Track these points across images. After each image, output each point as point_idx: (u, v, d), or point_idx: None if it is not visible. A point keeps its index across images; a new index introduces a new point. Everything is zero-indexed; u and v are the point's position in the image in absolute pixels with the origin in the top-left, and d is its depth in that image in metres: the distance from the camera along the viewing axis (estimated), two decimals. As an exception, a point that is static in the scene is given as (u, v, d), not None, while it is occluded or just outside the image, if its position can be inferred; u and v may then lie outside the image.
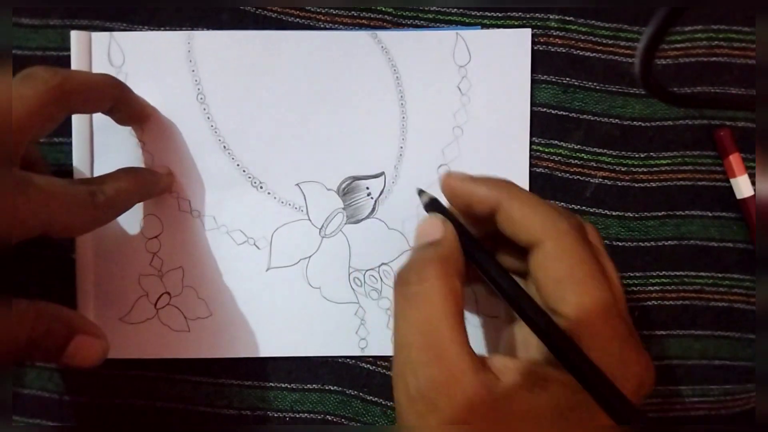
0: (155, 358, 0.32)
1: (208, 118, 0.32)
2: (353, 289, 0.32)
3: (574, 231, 0.23)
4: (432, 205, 0.27)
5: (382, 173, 0.32)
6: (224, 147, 0.32)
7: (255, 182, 0.32)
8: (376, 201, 0.32)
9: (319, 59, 0.32)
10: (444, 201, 0.27)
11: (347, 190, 0.32)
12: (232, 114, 0.32)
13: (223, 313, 0.32)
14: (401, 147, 0.32)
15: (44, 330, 0.23)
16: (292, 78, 0.32)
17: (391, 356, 0.29)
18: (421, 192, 0.27)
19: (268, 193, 0.32)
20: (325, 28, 0.32)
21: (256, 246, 0.32)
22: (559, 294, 0.22)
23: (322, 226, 0.32)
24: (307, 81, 0.32)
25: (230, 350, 0.32)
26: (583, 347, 0.21)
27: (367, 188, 0.32)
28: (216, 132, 0.32)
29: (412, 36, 0.32)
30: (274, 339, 0.32)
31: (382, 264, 0.32)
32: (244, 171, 0.32)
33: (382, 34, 0.32)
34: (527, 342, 0.25)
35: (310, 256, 0.32)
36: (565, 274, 0.22)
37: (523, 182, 0.32)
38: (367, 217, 0.32)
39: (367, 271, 0.32)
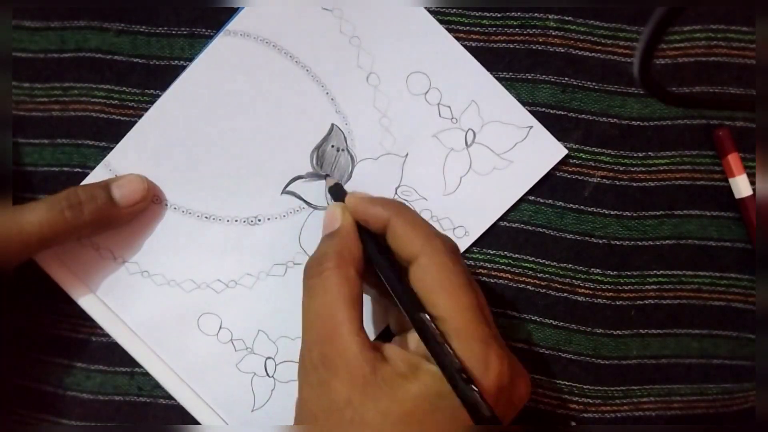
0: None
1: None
2: None
3: (447, 249, 0.26)
4: (334, 189, 0.30)
5: (331, 125, 0.32)
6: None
7: (252, 221, 0.32)
8: (347, 150, 0.32)
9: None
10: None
11: (321, 161, 0.32)
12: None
13: None
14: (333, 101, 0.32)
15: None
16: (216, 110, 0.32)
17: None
18: (326, 176, 0.31)
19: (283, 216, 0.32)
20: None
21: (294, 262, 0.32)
22: (432, 301, 0.25)
23: (328, 202, 0.32)
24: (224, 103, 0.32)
25: None
26: (451, 346, 0.24)
27: (333, 146, 0.32)
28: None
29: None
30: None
31: None
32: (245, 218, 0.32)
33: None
34: (418, 338, 0.26)
35: None
36: (438, 284, 0.25)
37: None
38: (355, 167, 0.32)
39: None
